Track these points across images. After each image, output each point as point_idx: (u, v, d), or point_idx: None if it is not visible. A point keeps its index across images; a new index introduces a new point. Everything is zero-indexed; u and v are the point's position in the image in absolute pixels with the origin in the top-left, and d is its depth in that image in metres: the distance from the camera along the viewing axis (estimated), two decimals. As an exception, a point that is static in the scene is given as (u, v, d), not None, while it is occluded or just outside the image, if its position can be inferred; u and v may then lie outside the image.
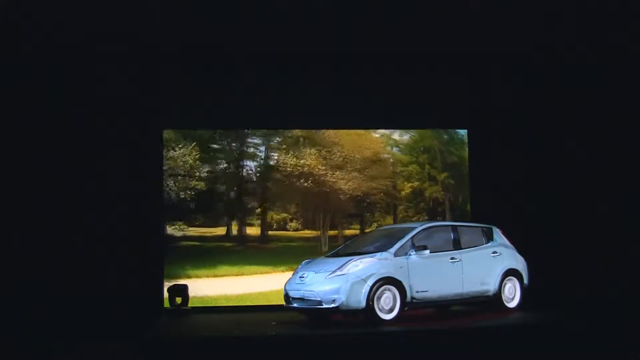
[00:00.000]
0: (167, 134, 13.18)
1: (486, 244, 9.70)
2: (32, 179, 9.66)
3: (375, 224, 14.90)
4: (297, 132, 14.35)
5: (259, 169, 14.81)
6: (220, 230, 15.08)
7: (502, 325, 8.66)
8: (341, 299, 8.25)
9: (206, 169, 14.17)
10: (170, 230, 13.86)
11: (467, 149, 11.87)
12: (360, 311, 8.33)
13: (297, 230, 15.21)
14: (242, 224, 15.00)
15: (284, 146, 14.34)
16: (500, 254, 9.66)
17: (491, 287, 9.42)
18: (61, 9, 8.44)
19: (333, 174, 14.30)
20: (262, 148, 14.94)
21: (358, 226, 15.09)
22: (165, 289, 10.52)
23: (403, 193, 15.16)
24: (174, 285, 10.63)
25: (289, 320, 8.99)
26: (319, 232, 14.79)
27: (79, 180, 9.86)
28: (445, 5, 8.66)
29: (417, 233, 9.03)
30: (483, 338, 7.93)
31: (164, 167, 11.44)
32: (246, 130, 14.27)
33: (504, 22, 9.13)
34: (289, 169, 14.20)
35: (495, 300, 9.45)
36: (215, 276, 13.40)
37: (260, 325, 8.85)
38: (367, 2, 8.56)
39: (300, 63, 10.23)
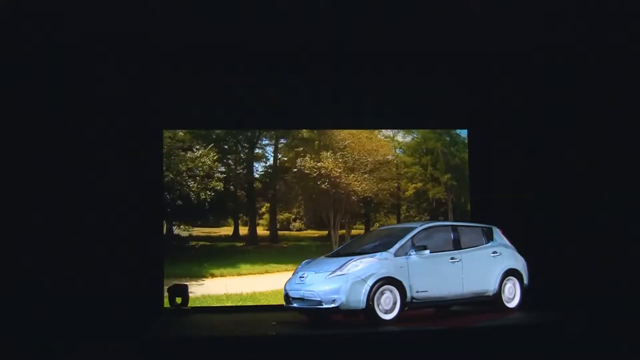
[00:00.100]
0: (184, 134, 13.41)
1: (486, 244, 9.69)
2: (32, 179, 9.66)
3: (377, 224, 15.14)
4: (312, 135, 14.73)
5: (269, 170, 15.08)
6: (224, 231, 15.28)
7: (502, 325, 8.65)
8: (341, 299, 8.24)
9: (221, 170, 14.41)
10: (176, 230, 14.08)
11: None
12: (360, 311, 8.32)
13: (300, 230, 15.47)
14: (253, 224, 15.27)
15: (301, 149, 14.63)
16: (500, 254, 9.66)
17: (491, 287, 9.41)
18: (61, 9, 8.44)
19: (347, 176, 14.70)
20: (270, 149, 15.29)
21: (362, 226, 15.37)
22: (165, 289, 10.52)
23: (407, 194, 15.42)
24: (174, 285, 10.63)
25: (289, 320, 8.99)
26: (327, 232, 15.16)
27: (79, 180, 9.86)
28: (445, 5, 8.67)
29: (417, 233, 9.02)
30: (483, 338, 7.93)
31: (184, 168, 11.61)
32: (257, 132, 14.54)
33: (504, 22, 9.14)
34: (307, 171, 14.53)
35: (495, 300, 9.44)
36: (239, 274, 13.60)
37: (260, 325, 8.85)
38: (367, 2, 8.57)
39: (300, 63, 10.24)
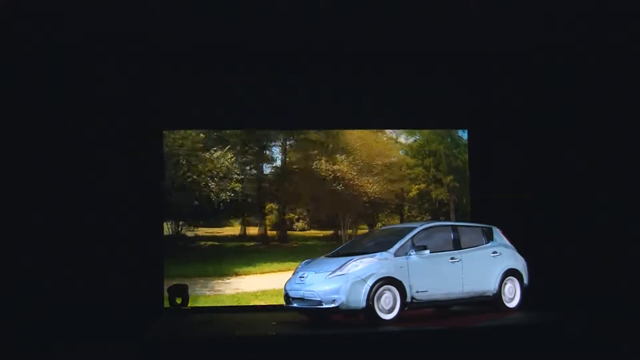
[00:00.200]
0: (205, 134, 13.56)
1: (486, 244, 9.69)
2: (32, 179, 9.65)
3: (379, 224, 15.31)
4: (319, 137, 15.02)
5: (279, 171, 15.35)
6: (227, 231, 15.47)
7: (502, 325, 8.65)
8: (341, 299, 8.24)
9: (238, 172, 14.69)
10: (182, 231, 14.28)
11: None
12: (360, 311, 8.32)
13: (303, 230, 15.70)
14: (264, 225, 15.53)
15: (316, 151, 14.91)
16: (500, 254, 9.66)
17: (491, 287, 9.41)
18: (61, 9, 8.44)
19: (360, 178, 15.27)
20: (276, 150, 15.56)
21: (364, 226, 15.56)
22: (165, 289, 10.53)
23: (410, 194, 15.64)
24: (174, 285, 10.64)
25: (289, 320, 8.99)
26: (332, 232, 15.76)
27: (79, 180, 9.86)
28: (445, 5, 8.67)
29: (417, 233, 9.03)
30: (483, 338, 7.93)
31: (206, 169, 11.74)
32: (267, 133, 14.79)
33: (504, 22, 9.14)
34: (323, 174, 15.10)
35: (495, 300, 9.44)
36: (262, 272, 13.80)
37: (260, 325, 8.85)
38: (367, 2, 8.56)
39: (300, 63, 10.24)
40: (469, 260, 9.26)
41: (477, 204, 11.42)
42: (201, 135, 14.22)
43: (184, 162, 14.42)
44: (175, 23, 9.01)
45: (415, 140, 15.97)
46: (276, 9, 8.59)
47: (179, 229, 14.98)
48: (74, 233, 9.74)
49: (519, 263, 9.78)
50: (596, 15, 8.84)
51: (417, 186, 15.75)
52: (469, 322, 8.76)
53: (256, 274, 13.80)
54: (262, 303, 11.95)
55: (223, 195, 14.33)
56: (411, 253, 8.75)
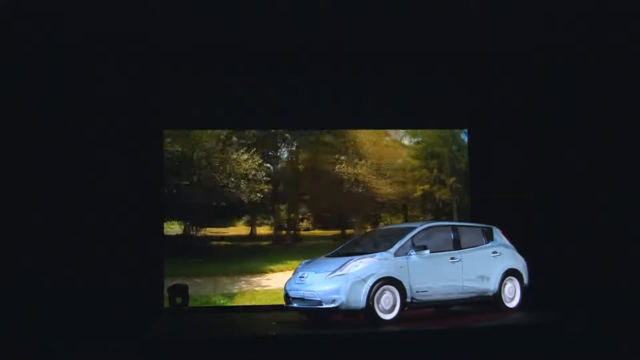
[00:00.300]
0: (229, 134, 13.75)
1: (486, 244, 9.69)
2: (32, 179, 9.66)
3: (382, 223, 15.54)
4: (330, 138, 15.44)
5: (291, 172, 15.82)
6: (232, 231, 15.74)
7: (502, 325, 8.65)
8: (341, 299, 8.23)
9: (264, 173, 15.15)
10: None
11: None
12: (360, 311, 8.32)
13: (307, 229, 16.16)
14: (277, 224, 16.21)
15: (337, 156, 15.82)
16: (500, 254, 9.66)
17: (491, 287, 9.41)
18: (61, 9, 8.44)
19: (377, 181, 15.91)
20: (283, 150, 15.91)
21: (367, 226, 15.79)
22: (165, 289, 10.52)
23: (415, 195, 15.89)
24: (174, 285, 10.63)
25: (289, 320, 8.99)
26: (339, 231, 16.28)
27: (79, 180, 9.86)
28: (445, 5, 8.67)
29: (417, 233, 9.02)
30: (483, 338, 7.93)
31: (240, 171, 12.00)
32: (277, 134, 15.18)
33: (504, 22, 9.14)
34: (345, 177, 15.75)
35: (495, 300, 9.44)
36: (290, 270, 14.12)
37: (260, 325, 8.85)
38: (367, 2, 8.56)
39: (300, 63, 10.24)
40: (469, 260, 9.25)
41: (477, 203, 11.42)
42: (234, 138, 14.58)
43: (207, 164, 14.84)
44: (175, 23, 9.01)
45: (418, 142, 16.27)
46: (276, 9, 8.59)
47: (198, 230, 15.33)
48: (74, 233, 9.74)
49: (519, 263, 9.77)
50: (596, 15, 8.84)
51: (421, 187, 16.03)
52: (469, 322, 8.76)
53: (284, 271, 14.13)
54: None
55: (254, 197, 14.90)
56: (411, 253, 8.74)
